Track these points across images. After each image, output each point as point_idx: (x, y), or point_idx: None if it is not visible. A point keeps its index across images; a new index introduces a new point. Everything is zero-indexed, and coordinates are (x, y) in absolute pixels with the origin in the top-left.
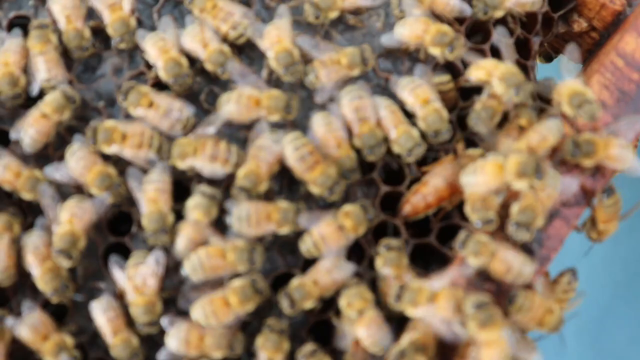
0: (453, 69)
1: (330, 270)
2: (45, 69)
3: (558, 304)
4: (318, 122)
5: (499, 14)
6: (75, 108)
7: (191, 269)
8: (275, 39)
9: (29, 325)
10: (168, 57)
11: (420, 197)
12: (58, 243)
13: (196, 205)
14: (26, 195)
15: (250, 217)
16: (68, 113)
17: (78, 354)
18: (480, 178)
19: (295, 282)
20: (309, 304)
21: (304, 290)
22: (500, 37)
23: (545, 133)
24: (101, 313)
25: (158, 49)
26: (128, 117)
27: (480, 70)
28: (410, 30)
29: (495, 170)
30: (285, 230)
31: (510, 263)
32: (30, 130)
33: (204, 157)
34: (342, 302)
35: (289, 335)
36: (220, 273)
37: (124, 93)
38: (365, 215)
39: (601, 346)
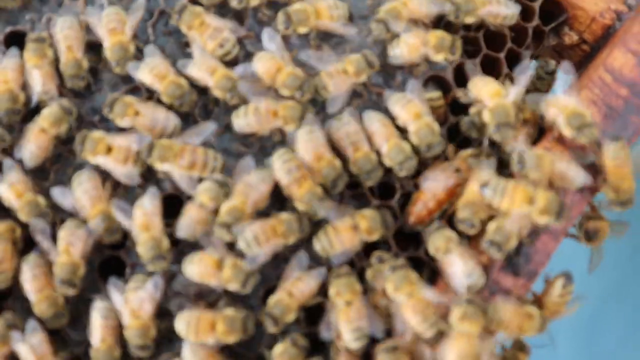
0: (443, 86)
1: (300, 278)
2: (40, 83)
3: (556, 308)
4: (300, 139)
5: (469, 19)
6: (72, 120)
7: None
8: (274, 67)
9: (29, 346)
10: (167, 82)
11: (422, 205)
12: (59, 273)
13: (205, 190)
14: (22, 217)
15: (258, 237)
16: (65, 126)
17: None
18: (506, 200)
19: (272, 299)
20: (291, 317)
21: (282, 305)
22: (527, 67)
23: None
24: (99, 317)
25: (154, 75)
26: (121, 130)
27: (479, 90)
28: (408, 47)
29: (524, 200)
30: (292, 240)
31: (456, 268)
32: (29, 145)
33: (181, 165)
34: (332, 291)
35: (308, 352)
36: (211, 283)
37: (109, 105)
38: (382, 223)
39: (593, 346)
